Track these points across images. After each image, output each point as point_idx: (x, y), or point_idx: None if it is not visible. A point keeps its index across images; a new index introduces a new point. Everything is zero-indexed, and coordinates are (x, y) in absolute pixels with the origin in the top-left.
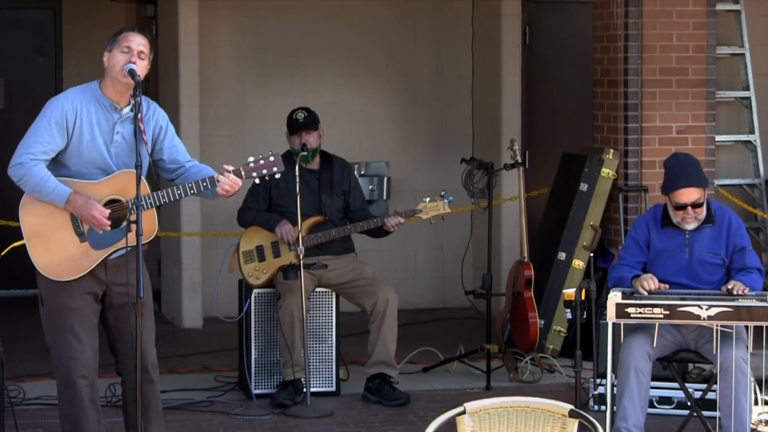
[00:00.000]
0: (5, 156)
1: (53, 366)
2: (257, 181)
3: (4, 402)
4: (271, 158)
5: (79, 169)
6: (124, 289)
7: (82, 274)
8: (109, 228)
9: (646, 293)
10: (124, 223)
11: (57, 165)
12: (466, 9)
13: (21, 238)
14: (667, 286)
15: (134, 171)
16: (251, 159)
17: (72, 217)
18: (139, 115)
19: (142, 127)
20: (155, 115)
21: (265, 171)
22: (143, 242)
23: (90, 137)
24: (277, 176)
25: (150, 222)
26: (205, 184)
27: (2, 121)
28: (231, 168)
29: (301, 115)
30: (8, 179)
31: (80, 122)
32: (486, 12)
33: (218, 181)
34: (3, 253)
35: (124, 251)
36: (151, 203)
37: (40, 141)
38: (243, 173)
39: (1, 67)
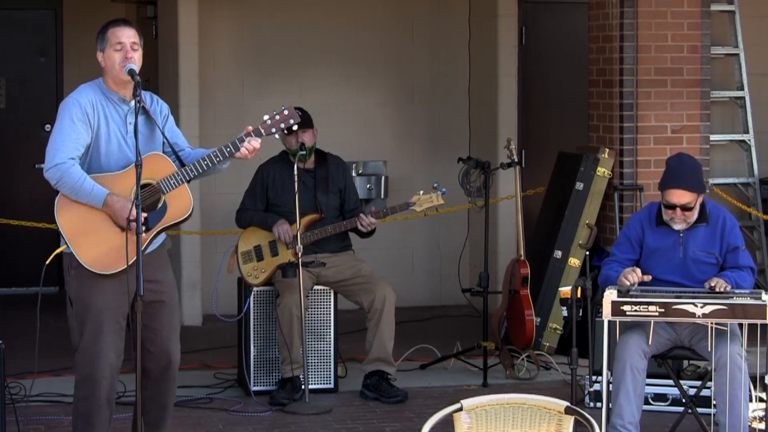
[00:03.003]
0: (6, 155)
1: (75, 362)
2: (277, 136)
3: (6, 399)
4: (285, 112)
5: (106, 162)
6: (154, 286)
7: (132, 261)
8: (143, 229)
9: (628, 284)
10: (160, 205)
11: (84, 163)
12: (463, 9)
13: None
14: (650, 277)
15: (160, 153)
16: (266, 117)
17: None
18: (147, 105)
19: (153, 116)
20: (159, 105)
21: (282, 125)
22: (182, 218)
23: (107, 129)
24: (294, 127)
25: (184, 198)
26: (229, 149)
27: (3, 121)
28: (251, 129)
29: (294, 127)
30: (10, 180)
31: (98, 115)
32: (483, 12)
33: (240, 143)
34: (48, 261)
35: (157, 245)
36: (181, 179)
37: (69, 138)
38: (263, 131)
39: (2, 67)
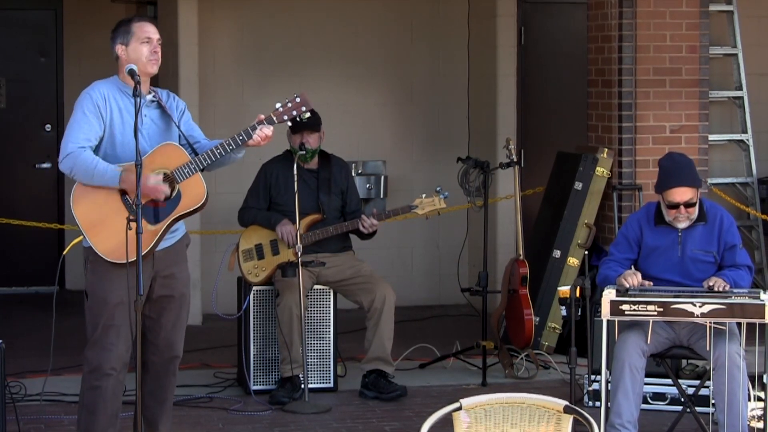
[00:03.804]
0: (6, 155)
1: (85, 355)
2: (290, 123)
3: (6, 398)
4: (297, 99)
5: (122, 152)
6: (168, 281)
7: (148, 249)
8: (168, 191)
9: (627, 285)
10: (174, 194)
11: (99, 154)
12: (463, 10)
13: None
14: (652, 282)
15: (174, 143)
16: (278, 104)
17: (123, 200)
18: (163, 101)
19: (168, 110)
20: (175, 101)
21: (294, 112)
22: (196, 206)
23: (121, 121)
24: (307, 115)
25: (198, 186)
26: (241, 137)
27: (3, 121)
28: (263, 117)
29: (306, 114)
30: (10, 180)
31: (110, 108)
32: (482, 13)
33: (252, 131)
34: (65, 252)
35: (176, 240)
36: (194, 168)
37: (81, 129)
38: (275, 119)
39: (2, 67)
